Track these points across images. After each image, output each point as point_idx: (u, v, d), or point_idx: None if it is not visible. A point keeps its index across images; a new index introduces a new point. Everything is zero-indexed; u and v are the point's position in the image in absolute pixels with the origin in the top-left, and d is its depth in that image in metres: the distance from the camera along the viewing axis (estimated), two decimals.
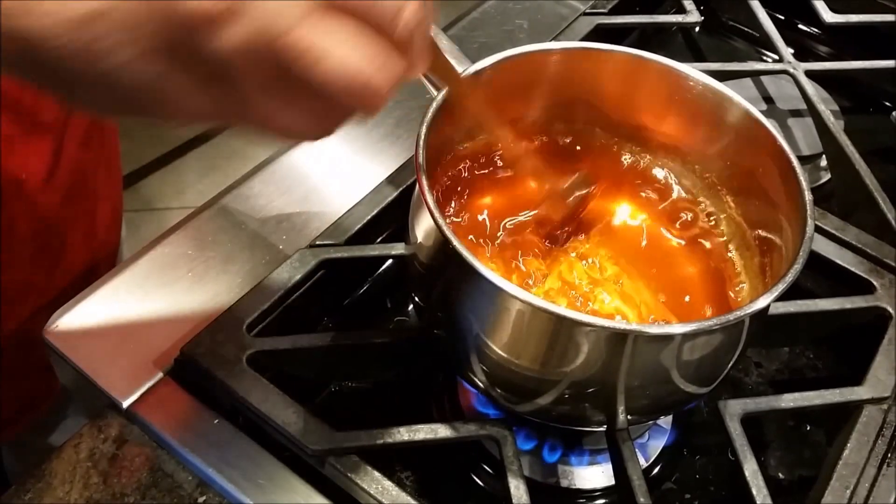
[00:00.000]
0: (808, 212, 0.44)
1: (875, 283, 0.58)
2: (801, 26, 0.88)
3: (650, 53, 0.51)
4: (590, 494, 0.53)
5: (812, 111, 0.71)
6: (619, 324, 0.41)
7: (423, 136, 0.43)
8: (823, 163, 0.72)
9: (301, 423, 0.46)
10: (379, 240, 0.58)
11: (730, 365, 0.45)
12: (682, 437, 0.57)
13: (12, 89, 0.56)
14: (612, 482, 0.52)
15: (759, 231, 0.50)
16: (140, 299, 0.54)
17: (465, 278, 0.41)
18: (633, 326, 0.42)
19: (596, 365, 0.40)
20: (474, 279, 0.40)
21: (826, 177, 0.72)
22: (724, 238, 0.53)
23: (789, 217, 0.46)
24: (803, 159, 0.72)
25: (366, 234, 0.56)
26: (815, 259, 0.59)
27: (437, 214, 0.40)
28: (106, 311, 0.53)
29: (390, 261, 0.61)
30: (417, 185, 0.42)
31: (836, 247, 0.60)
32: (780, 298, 0.53)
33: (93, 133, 0.68)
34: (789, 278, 0.41)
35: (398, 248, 0.54)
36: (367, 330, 0.51)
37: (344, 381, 0.55)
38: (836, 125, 0.69)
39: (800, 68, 0.73)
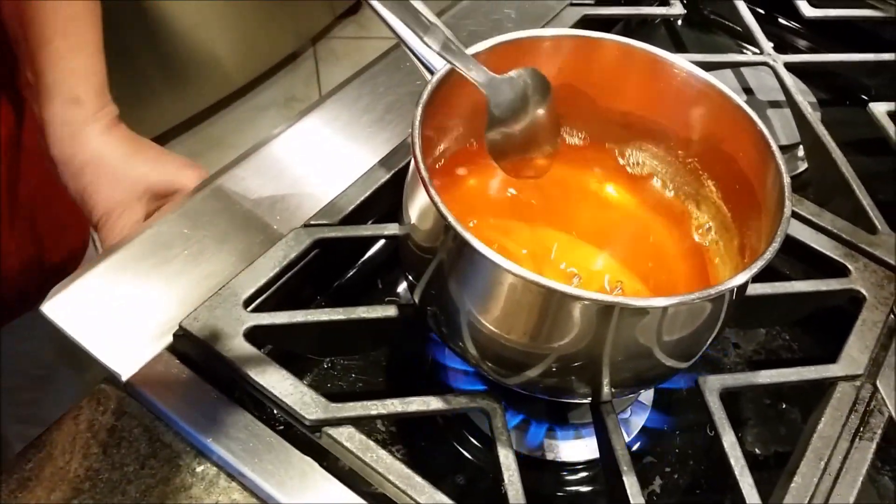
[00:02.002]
0: (786, 193, 0.46)
1: (850, 266, 0.60)
2: (781, 20, 0.91)
3: (637, 42, 0.53)
4: (573, 467, 0.55)
5: (790, 102, 0.73)
6: (604, 297, 0.43)
7: (418, 117, 0.44)
8: (801, 153, 0.74)
9: (298, 394, 0.48)
10: (371, 221, 0.59)
11: (709, 341, 0.47)
12: (662, 414, 0.59)
13: None
14: (596, 455, 0.54)
15: (739, 214, 0.52)
16: (137, 277, 0.55)
17: (458, 253, 0.43)
18: (619, 299, 0.43)
19: (582, 336, 0.42)
20: (467, 254, 0.42)
21: (803, 166, 0.74)
22: (706, 220, 0.55)
23: (768, 200, 0.48)
24: (782, 149, 0.73)
25: (359, 215, 0.58)
26: (792, 243, 0.61)
27: (432, 192, 0.42)
28: (103, 288, 0.55)
29: (382, 242, 0.62)
30: (412, 163, 0.43)
31: (812, 232, 0.62)
32: (759, 280, 0.55)
33: None
34: (768, 255, 0.43)
35: (390, 229, 0.56)
36: (360, 306, 0.52)
37: (337, 357, 0.57)
38: (813, 116, 0.71)
39: (779, 60, 0.75)
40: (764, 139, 0.49)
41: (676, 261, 0.54)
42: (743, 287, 0.44)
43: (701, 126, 0.54)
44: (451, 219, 0.41)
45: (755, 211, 0.50)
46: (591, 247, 0.54)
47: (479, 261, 0.42)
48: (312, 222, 0.56)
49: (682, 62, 0.53)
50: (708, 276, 0.53)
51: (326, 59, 2.30)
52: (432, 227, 0.45)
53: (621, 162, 0.57)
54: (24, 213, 0.70)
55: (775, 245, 0.43)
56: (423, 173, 0.42)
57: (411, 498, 0.45)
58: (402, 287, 0.63)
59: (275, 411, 0.50)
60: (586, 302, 0.41)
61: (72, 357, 0.54)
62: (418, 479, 0.46)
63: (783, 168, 0.47)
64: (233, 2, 1.89)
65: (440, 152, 0.53)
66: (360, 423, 0.48)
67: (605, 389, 0.46)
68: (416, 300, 0.50)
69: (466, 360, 0.49)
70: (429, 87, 0.47)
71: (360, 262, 0.62)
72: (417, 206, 0.46)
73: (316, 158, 0.63)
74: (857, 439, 0.51)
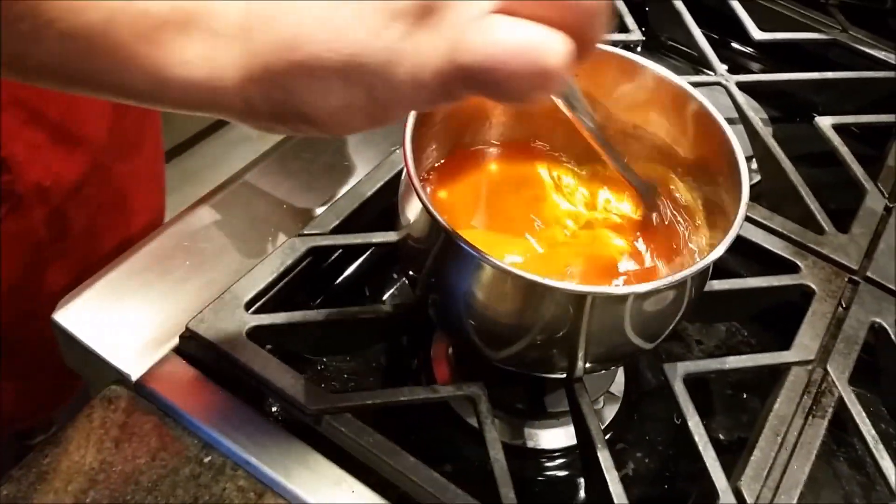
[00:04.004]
0: (744, 178, 0.50)
1: (800, 263, 0.65)
2: (733, 44, 0.97)
3: (623, 51, 0.57)
4: (552, 454, 0.59)
5: (743, 119, 0.79)
6: (579, 287, 0.47)
7: (409, 128, 0.49)
8: (754, 165, 0.80)
9: (299, 386, 0.52)
10: (360, 230, 0.63)
11: (673, 324, 0.51)
12: (633, 404, 0.63)
13: (42, 103, 0.60)
14: (573, 442, 0.59)
15: (707, 210, 0.56)
16: (142, 286, 0.59)
17: (448, 252, 0.47)
18: (592, 289, 0.48)
19: (560, 318, 0.46)
20: (457, 253, 0.46)
21: (757, 178, 0.80)
22: (679, 217, 0.59)
23: (731, 196, 0.52)
24: None
25: (349, 225, 0.62)
26: (747, 245, 0.67)
27: (423, 195, 0.46)
28: (111, 297, 0.58)
29: (368, 253, 0.67)
30: (405, 170, 0.48)
31: (764, 234, 0.67)
32: (716, 277, 0.61)
33: (133, 151, 0.72)
34: (728, 239, 0.47)
35: (378, 237, 0.60)
36: (355, 307, 0.56)
37: (332, 355, 0.61)
38: (765, 131, 0.77)
39: (731, 80, 0.81)
40: (727, 139, 0.53)
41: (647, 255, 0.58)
42: (704, 274, 0.49)
43: (678, 131, 0.58)
44: (441, 221, 0.45)
45: (720, 207, 0.54)
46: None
47: (468, 259, 0.46)
48: (306, 232, 0.61)
49: (665, 71, 0.57)
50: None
51: None
52: (424, 229, 0.49)
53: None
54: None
55: (734, 229, 0.47)
56: (416, 183, 0.46)
57: (407, 477, 0.49)
58: (387, 294, 0.67)
59: (276, 404, 0.54)
60: (562, 291, 0.45)
61: None
62: (412, 459, 0.50)
63: (741, 158, 0.51)
64: None
65: (430, 154, 0.57)
66: (356, 412, 0.52)
67: (580, 364, 0.50)
68: (416, 292, 0.54)
69: (460, 340, 0.53)
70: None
71: (348, 271, 0.67)
72: (411, 210, 0.50)
73: (306, 174, 0.68)
74: (810, 417, 0.56)
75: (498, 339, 0.50)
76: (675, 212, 0.58)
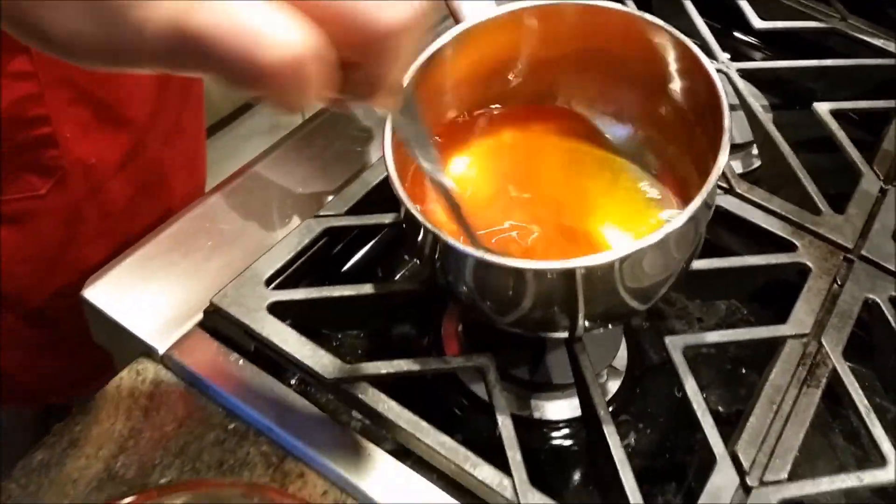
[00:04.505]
0: (725, 117, 0.51)
1: (797, 242, 0.67)
2: (735, 33, 0.99)
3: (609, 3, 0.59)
4: (556, 424, 0.62)
5: (744, 105, 0.81)
6: (566, 263, 0.49)
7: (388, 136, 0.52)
8: (755, 151, 0.82)
9: (317, 357, 0.55)
10: (374, 212, 0.66)
11: (664, 287, 0.53)
12: (635, 379, 0.66)
13: (90, 83, 0.64)
14: (577, 413, 0.61)
15: (689, 168, 0.58)
16: (166, 265, 0.62)
17: (440, 248, 0.50)
18: (579, 262, 0.49)
19: (553, 292, 0.49)
20: (448, 251, 0.49)
21: (757, 163, 0.82)
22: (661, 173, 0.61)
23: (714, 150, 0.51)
24: (737, 147, 0.82)
25: (363, 206, 0.65)
26: (744, 224, 0.69)
27: (409, 204, 0.49)
28: (137, 275, 0.61)
29: (379, 236, 0.69)
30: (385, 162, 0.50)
31: (763, 214, 0.70)
32: (715, 256, 0.63)
33: (174, 133, 0.76)
34: (707, 186, 0.48)
35: (390, 217, 0.63)
36: (369, 284, 0.59)
37: (347, 331, 0.64)
38: (765, 117, 0.79)
39: (732, 67, 0.83)
40: (712, 82, 0.53)
41: (629, 215, 0.60)
42: (687, 228, 0.50)
43: (664, 84, 0.59)
44: (430, 226, 0.48)
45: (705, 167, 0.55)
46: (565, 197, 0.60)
47: (460, 257, 0.49)
48: (322, 213, 0.64)
49: (653, 18, 0.58)
50: None
51: None
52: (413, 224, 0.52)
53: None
54: None
55: (713, 177, 0.49)
56: (402, 194, 0.49)
57: (420, 440, 0.52)
58: (398, 275, 0.70)
59: (296, 374, 0.57)
60: (551, 270, 0.48)
61: None
62: (424, 424, 0.53)
63: (724, 102, 0.52)
64: None
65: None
66: (371, 381, 0.55)
67: (580, 324, 0.53)
68: (423, 268, 0.56)
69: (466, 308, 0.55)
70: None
71: (361, 252, 0.69)
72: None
73: (320, 160, 0.71)
74: (804, 387, 0.59)
75: (501, 310, 0.52)
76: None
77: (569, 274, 0.48)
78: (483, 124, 0.63)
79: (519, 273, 0.49)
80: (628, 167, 0.61)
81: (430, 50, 0.56)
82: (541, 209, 0.59)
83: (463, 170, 0.61)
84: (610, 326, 0.64)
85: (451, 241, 0.48)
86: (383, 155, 0.51)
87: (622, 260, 0.48)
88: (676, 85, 0.58)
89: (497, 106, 0.63)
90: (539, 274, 0.49)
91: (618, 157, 0.62)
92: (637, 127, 0.63)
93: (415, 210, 0.49)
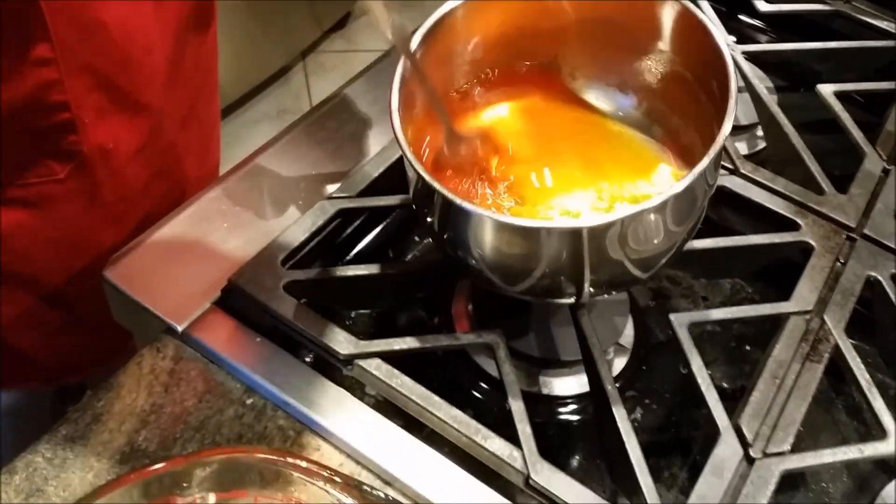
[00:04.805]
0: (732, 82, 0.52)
1: (800, 222, 0.69)
2: (741, 17, 1.00)
3: None
4: (564, 400, 0.64)
5: (749, 87, 0.82)
6: (572, 222, 0.51)
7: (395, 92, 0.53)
8: (760, 133, 0.83)
9: (332, 334, 0.57)
10: (386, 194, 0.68)
11: (665, 257, 0.54)
12: (642, 357, 0.67)
13: (109, 71, 0.65)
14: (585, 389, 0.63)
15: (694, 138, 0.59)
16: (184, 246, 0.64)
17: (448, 210, 0.51)
18: (584, 222, 0.51)
19: (562, 253, 0.50)
20: (455, 211, 0.50)
21: (762, 145, 0.83)
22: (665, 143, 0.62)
23: (719, 118, 0.52)
24: (742, 128, 0.83)
25: (374, 188, 0.67)
26: (749, 204, 0.70)
27: (415, 163, 0.50)
28: (156, 256, 0.63)
29: (391, 217, 0.71)
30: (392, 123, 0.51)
31: (767, 194, 0.71)
32: (720, 235, 0.64)
33: (190, 120, 0.78)
34: (712, 152, 0.49)
35: (401, 199, 0.65)
36: (381, 264, 0.61)
37: (360, 310, 0.65)
38: (769, 98, 0.81)
39: (738, 50, 0.84)
40: (717, 48, 0.54)
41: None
42: (689, 194, 0.51)
43: (668, 52, 0.60)
44: (437, 186, 0.49)
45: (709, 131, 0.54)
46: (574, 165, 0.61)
47: (468, 217, 0.50)
48: (335, 195, 0.65)
49: None
50: None
51: (316, 73, 2.39)
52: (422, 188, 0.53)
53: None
54: None
55: (718, 142, 0.50)
56: (399, 135, 0.50)
57: (432, 414, 0.54)
58: (410, 256, 0.72)
59: (312, 350, 0.58)
60: (559, 230, 0.50)
61: None
62: (436, 398, 0.54)
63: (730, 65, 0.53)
64: (225, 20, 1.98)
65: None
66: (384, 357, 0.57)
67: (586, 290, 0.54)
68: (437, 245, 0.57)
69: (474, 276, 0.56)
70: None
71: (373, 233, 0.71)
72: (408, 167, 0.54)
73: (332, 143, 0.72)
74: (807, 362, 0.60)
75: (509, 274, 0.53)
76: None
77: (575, 234, 0.49)
78: (486, 93, 0.63)
79: (526, 231, 0.49)
80: (633, 136, 0.62)
81: (435, 16, 0.57)
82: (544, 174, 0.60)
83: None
84: (614, 294, 0.65)
85: (462, 201, 0.49)
86: (390, 119, 0.52)
87: (625, 220, 0.49)
88: (681, 53, 0.59)
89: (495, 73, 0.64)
90: (546, 233, 0.49)
91: (623, 127, 0.63)
92: (641, 97, 0.63)
93: (414, 160, 0.50)
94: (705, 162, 0.49)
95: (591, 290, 0.54)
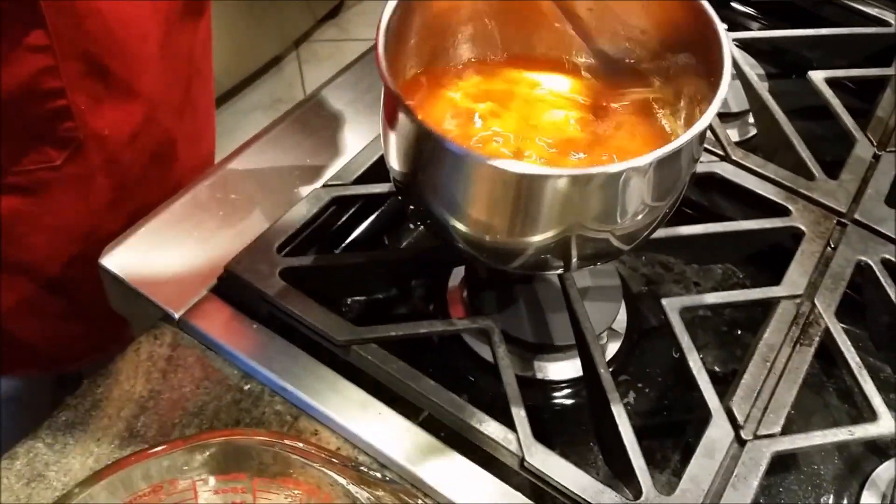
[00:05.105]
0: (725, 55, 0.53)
1: (791, 207, 0.70)
2: (733, 4, 1.01)
3: None
4: (559, 384, 0.64)
5: (740, 74, 0.83)
6: (550, 170, 0.50)
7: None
8: (751, 120, 0.84)
9: (328, 320, 0.57)
10: (380, 182, 0.68)
11: (647, 231, 0.55)
12: (634, 342, 0.68)
13: (104, 57, 0.66)
14: (578, 374, 0.64)
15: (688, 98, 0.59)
16: (180, 234, 0.64)
17: (427, 147, 0.50)
18: (567, 171, 0.51)
19: (550, 206, 0.50)
20: (434, 145, 0.49)
21: (753, 131, 0.84)
22: (658, 107, 0.61)
23: (714, 84, 0.52)
24: (732, 115, 0.84)
25: (369, 176, 0.67)
26: (740, 190, 0.71)
27: (396, 92, 0.49)
28: (152, 244, 0.64)
29: (388, 203, 0.71)
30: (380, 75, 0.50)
31: (757, 180, 0.72)
32: (710, 221, 0.65)
33: (186, 108, 0.78)
34: (707, 117, 0.49)
35: None
36: (376, 251, 0.61)
37: (356, 296, 0.66)
38: (760, 85, 0.81)
39: (729, 37, 0.85)
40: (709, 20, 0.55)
41: (630, 143, 0.60)
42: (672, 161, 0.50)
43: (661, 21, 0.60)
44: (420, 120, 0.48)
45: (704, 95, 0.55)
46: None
47: (448, 153, 0.49)
48: (330, 182, 0.66)
49: None
50: None
51: (309, 62, 2.39)
52: (408, 135, 0.52)
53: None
54: None
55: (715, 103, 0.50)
56: (389, 80, 0.49)
57: (428, 398, 0.54)
58: (405, 243, 0.72)
59: (308, 336, 0.59)
60: (558, 177, 0.49)
61: None
62: (432, 382, 0.55)
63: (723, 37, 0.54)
64: (218, 10, 1.98)
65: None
66: (380, 343, 0.57)
67: (573, 262, 0.54)
68: (413, 215, 0.57)
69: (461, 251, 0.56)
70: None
71: (368, 221, 0.71)
72: (394, 122, 0.53)
73: (327, 131, 0.72)
74: (797, 346, 0.61)
75: (486, 225, 0.52)
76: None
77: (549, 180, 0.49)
78: (481, 68, 0.63)
79: (522, 178, 0.48)
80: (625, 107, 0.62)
81: None
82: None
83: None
84: (599, 264, 0.65)
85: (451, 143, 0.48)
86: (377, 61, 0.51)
87: (609, 174, 0.49)
88: (672, 28, 0.59)
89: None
90: (531, 179, 0.48)
91: (615, 97, 0.63)
92: (634, 71, 0.63)
93: (392, 85, 0.49)
94: (695, 129, 0.49)
95: (577, 262, 0.54)
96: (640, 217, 0.52)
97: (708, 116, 0.50)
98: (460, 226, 0.53)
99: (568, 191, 0.49)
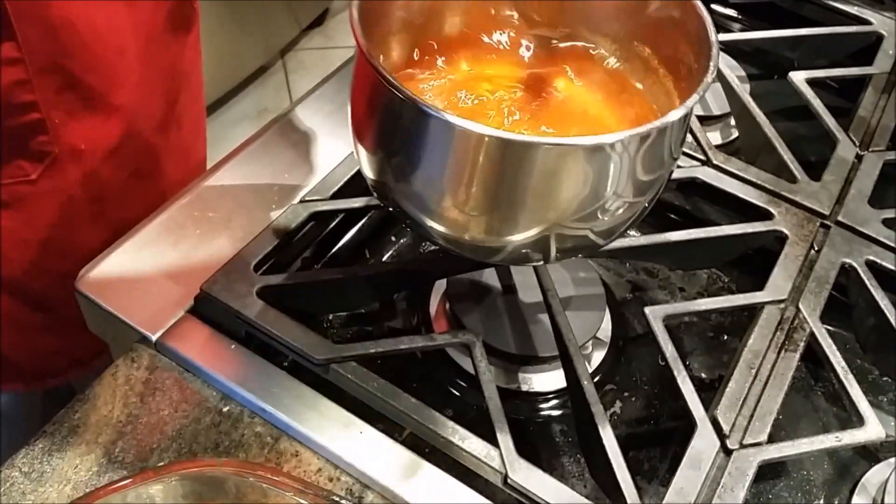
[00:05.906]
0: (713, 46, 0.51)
1: (773, 211, 0.69)
2: (713, 6, 1.00)
3: None
4: (544, 396, 0.64)
5: (721, 77, 0.82)
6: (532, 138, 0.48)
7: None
8: (732, 122, 0.84)
9: (307, 339, 0.56)
10: (360, 196, 0.67)
11: (625, 226, 0.53)
12: (619, 350, 0.67)
13: (79, 71, 0.65)
14: (563, 385, 0.63)
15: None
16: (156, 254, 0.63)
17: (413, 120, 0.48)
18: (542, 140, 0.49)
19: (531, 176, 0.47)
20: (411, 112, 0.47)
21: (734, 134, 0.84)
22: (648, 95, 0.59)
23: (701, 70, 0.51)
24: (714, 118, 0.83)
25: (347, 191, 0.66)
26: (722, 194, 0.71)
27: (374, 61, 0.48)
28: (127, 265, 0.63)
29: (369, 216, 0.71)
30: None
31: (740, 184, 0.71)
32: (694, 227, 0.64)
33: (170, 123, 0.77)
34: (693, 99, 0.47)
35: (375, 200, 0.64)
36: (353, 266, 0.61)
37: (336, 313, 0.65)
38: (741, 87, 0.81)
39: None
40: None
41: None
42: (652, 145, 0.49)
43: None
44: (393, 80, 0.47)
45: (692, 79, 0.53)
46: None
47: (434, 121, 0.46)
48: (307, 198, 0.65)
49: None
50: None
51: (295, 70, 2.39)
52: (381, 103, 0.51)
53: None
54: None
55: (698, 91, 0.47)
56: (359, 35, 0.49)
57: (409, 416, 0.54)
58: (386, 256, 0.71)
59: (287, 355, 0.58)
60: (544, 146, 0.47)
61: None
62: (413, 400, 0.54)
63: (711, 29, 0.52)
64: (202, 19, 1.97)
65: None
66: (360, 361, 0.57)
67: (553, 254, 0.52)
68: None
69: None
70: None
71: (348, 235, 0.71)
72: (365, 94, 0.52)
73: (306, 144, 0.72)
74: (782, 351, 0.60)
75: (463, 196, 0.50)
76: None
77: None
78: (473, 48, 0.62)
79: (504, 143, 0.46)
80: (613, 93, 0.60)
81: None
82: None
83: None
84: (579, 256, 0.64)
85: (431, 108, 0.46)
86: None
87: (586, 146, 0.47)
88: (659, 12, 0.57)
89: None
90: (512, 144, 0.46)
91: (604, 82, 0.61)
92: (620, 56, 0.61)
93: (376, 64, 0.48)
94: (679, 112, 0.47)
95: (556, 252, 0.52)
96: (620, 210, 0.51)
97: (695, 97, 0.48)
98: (436, 204, 0.50)
99: (551, 162, 0.47)
